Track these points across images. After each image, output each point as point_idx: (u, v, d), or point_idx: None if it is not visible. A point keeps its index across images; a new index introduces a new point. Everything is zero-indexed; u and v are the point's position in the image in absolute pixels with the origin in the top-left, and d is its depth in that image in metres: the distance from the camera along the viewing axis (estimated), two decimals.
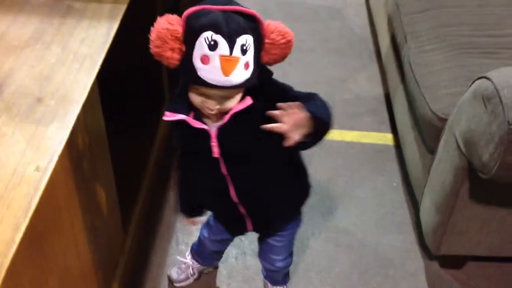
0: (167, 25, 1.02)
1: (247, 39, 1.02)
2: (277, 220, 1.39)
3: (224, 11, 1.02)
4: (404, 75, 1.96)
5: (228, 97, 1.09)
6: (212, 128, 1.15)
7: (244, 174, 1.23)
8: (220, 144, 1.17)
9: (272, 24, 1.07)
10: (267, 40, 1.06)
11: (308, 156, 2.13)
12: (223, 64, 1.01)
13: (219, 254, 1.66)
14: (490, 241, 1.63)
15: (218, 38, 1.00)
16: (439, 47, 1.84)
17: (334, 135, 2.26)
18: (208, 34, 1.00)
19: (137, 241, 1.76)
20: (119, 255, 1.63)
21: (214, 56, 1.01)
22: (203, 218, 1.51)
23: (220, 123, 1.14)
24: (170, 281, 1.71)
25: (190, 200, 1.42)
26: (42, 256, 1.05)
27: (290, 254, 1.54)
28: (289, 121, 1.05)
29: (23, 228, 0.93)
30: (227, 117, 1.12)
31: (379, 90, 2.48)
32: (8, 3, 1.43)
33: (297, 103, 1.07)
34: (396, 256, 1.84)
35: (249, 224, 1.35)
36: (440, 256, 1.80)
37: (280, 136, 1.06)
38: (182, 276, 1.71)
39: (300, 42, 2.74)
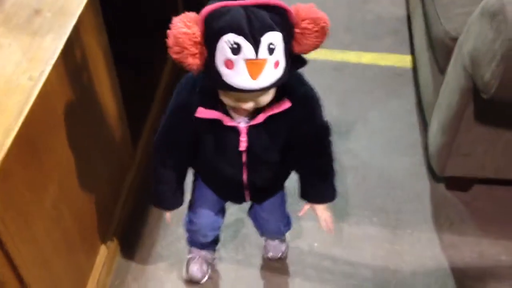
0: (184, 29, 0.92)
1: (274, 37, 0.92)
2: (273, 192, 1.40)
3: (245, 7, 0.91)
4: None
5: (262, 95, 1.01)
6: (242, 124, 1.11)
7: (261, 163, 1.22)
8: (248, 140, 1.13)
9: (302, 10, 0.96)
10: (297, 30, 0.96)
11: (322, 76, 2.15)
12: (250, 67, 0.92)
13: (214, 230, 1.51)
14: (495, 164, 1.62)
15: (241, 40, 0.90)
16: None
17: (350, 56, 2.23)
18: (229, 37, 0.90)
19: (146, 155, 1.82)
20: (127, 168, 1.69)
21: (238, 60, 0.91)
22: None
23: (252, 122, 1.09)
24: (195, 281, 1.60)
25: (174, 190, 1.29)
26: (38, 162, 1.10)
27: (288, 219, 1.54)
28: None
29: (13, 133, 0.98)
30: (261, 117, 1.08)
31: (401, 11, 2.40)
32: None
33: (327, 218, 1.34)
34: (402, 178, 1.85)
35: (247, 196, 1.33)
36: (446, 179, 1.80)
37: (295, 136, 1.16)
38: (204, 267, 1.59)
39: None
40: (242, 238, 1.69)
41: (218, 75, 0.94)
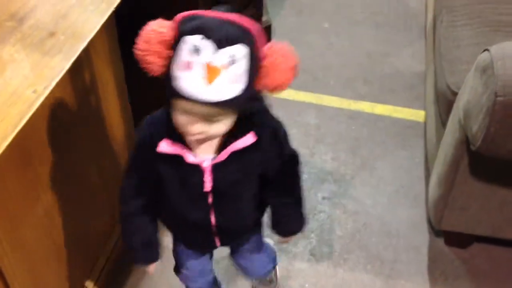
0: (155, 27, 0.93)
1: (239, 51, 0.89)
2: (244, 234, 1.34)
3: (220, 18, 0.91)
4: (435, 50, 1.94)
5: (214, 119, 0.95)
6: (206, 163, 1.06)
7: (228, 203, 1.17)
8: (213, 179, 1.09)
9: (275, 46, 0.95)
10: (265, 63, 0.94)
11: (335, 123, 2.19)
12: (207, 71, 0.88)
13: (207, 275, 1.47)
14: (492, 220, 1.62)
15: (205, 43, 0.88)
16: (471, 23, 1.81)
17: (365, 107, 2.27)
18: (194, 37, 0.88)
19: None
20: None
21: (197, 62, 0.88)
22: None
23: (216, 159, 1.06)
24: None
25: (147, 240, 1.22)
26: (33, 172, 1.17)
27: (271, 256, 1.52)
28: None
29: (9, 139, 1.05)
30: (224, 154, 1.05)
31: (421, 67, 2.44)
32: None
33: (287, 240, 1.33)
34: (402, 229, 1.85)
35: (217, 241, 1.26)
36: (445, 234, 1.79)
37: (265, 171, 1.15)
38: None
39: (351, 13, 2.74)
40: (234, 272, 1.71)
41: (173, 79, 0.91)
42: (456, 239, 1.77)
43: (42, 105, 1.13)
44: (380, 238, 1.82)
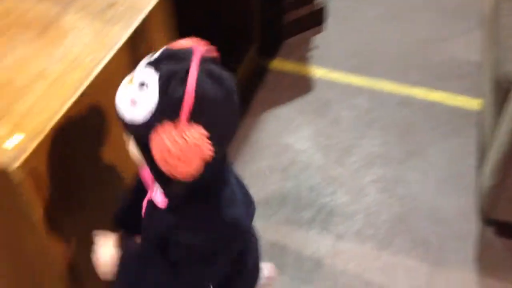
0: None
1: (152, 77, 0.86)
2: None
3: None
4: (494, 38, 1.89)
5: (127, 135, 0.94)
6: (146, 199, 1.05)
7: None
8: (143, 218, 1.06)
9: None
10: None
11: (387, 107, 2.17)
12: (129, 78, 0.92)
13: None
14: None
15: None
16: None
17: (418, 93, 2.24)
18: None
19: None
20: None
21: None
22: None
23: (147, 198, 1.04)
24: None
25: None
26: (86, 134, 1.21)
27: None
28: None
29: (69, 103, 1.09)
30: (149, 194, 1.02)
31: (477, 56, 2.37)
32: None
33: None
34: (451, 216, 1.82)
35: None
36: (496, 224, 1.75)
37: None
38: None
39: None
40: None
41: None
42: (507, 230, 1.73)
43: (100, 73, 1.17)
44: (427, 224, 1.80)
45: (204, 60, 0.87)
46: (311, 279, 1.66)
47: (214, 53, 0.91)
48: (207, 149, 0.84)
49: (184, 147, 0.83)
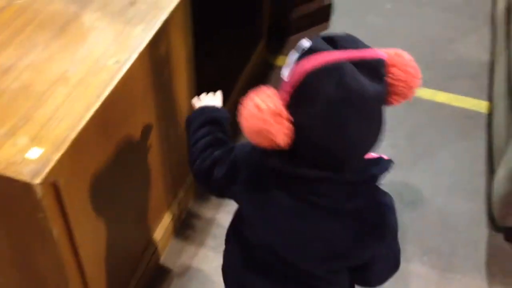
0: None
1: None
2: None
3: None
4: (509, 41, 1.87)
5: None
6: None
7: None
8: None
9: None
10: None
11: (394, 108, 2.13)
12: None
13: None
14: None
15: None
16: None
17: (425, 93, 2.21)
18: None
19: None
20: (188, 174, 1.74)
21: None
22: None
23: None
24: None
25: None
26: (108, 141, 1.16)
27: None
28: None
29: (94, 108, 1.04)
30: None
31: (485, 56, 2.36)
32: None
33: None
34: (460, 222, 1.81)
35: None
36: (506, 229, 1.75)
37: None
38: None
39: None
40: None
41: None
42: None
43: (124, 76, 1.12)
44: (437, 230, 1.78)
45: (359, 63, 0.81)
46: None
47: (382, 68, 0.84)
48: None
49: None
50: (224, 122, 1.08)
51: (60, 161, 0.95)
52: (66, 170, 0.97)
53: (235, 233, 1.05)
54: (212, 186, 1.01)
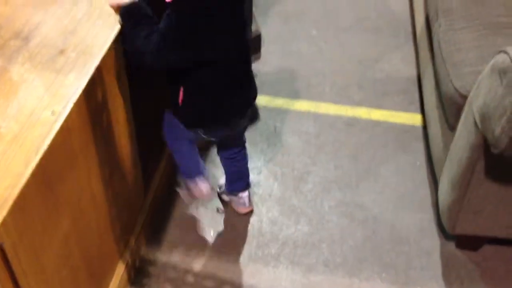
0: None
1: None
2: None
3: None
4: (433, 54, 1.94)
5: None
6: None
7: None
8: None
9: None
10: None
11: (334, 130, 2.18)
12: None
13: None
14: (506, 222, 1.62)
15: None
16: (469, 26, 1.81)
17: (361, 113, 2.26)
18: None
19: (157, 200, 1.82)
20: (137, 212, 1.69)
21: None
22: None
23: None
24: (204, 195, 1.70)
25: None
26: (53, 197, 1.11)
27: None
28: None
29: (33, 164, 0.99)
30: None
31: (412, 71, 2.45)
32: None
33: None
34: (412, 234, 1.84)
35: None
36: (456, 237, 1.79)
37: None
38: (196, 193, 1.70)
39: (338, 20, 2.73)
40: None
41: None
42: (468, 242, 1.77)
43: (61, 127, 1.08)
44: (391, 245, 1.80)
45: None
46: None
47: None
48: None
49: None
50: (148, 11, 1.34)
51: (3, 223, 0.90)
52: (11, 231, 0.92)
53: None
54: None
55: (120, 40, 1.31)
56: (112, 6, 1.35)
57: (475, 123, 1.45)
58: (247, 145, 1.77)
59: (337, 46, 2.59)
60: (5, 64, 1.19)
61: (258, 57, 2.46)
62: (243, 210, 1.86)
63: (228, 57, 1.37)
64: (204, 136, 1.56)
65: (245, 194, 1.83)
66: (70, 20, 1.32)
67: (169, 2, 1.26)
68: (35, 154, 1.01)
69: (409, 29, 2.68)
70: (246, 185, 1.83)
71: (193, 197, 1.73)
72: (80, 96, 1.15)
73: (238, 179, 1.81)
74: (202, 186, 1.67)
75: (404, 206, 1.92)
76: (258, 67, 2.44)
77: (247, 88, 1.52)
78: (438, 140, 1.83)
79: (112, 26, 1.31)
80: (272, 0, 2.85)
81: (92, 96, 1.23)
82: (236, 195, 1.83)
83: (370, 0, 2.87)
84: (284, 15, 2.77)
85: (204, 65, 1.35)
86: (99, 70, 1.23)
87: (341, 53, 2.55)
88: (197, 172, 1.66)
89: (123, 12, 1.32)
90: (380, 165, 2.06)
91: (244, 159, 1.77)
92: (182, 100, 1.43)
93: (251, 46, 2.41)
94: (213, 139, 1.71)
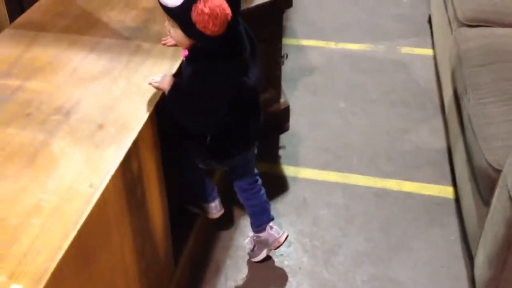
0: None
1: None
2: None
3: None
4: (463, 127, 1.95)
5: (170, 22, 1.34)
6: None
7: None
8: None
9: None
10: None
11: (364, 202, 2.17)
12: None
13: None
14: None
15: None
16: (498, 100, 1.83)
17: (391, 184, 2.25)
18: None
19: (187, 273, 1.81)
20: (168, 284, 1.68)
21: None
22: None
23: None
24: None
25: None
26: (87, 269, 1.11)
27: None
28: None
29: (71, 237, 1.01)
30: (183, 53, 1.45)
31: (441, 143, 2.45)
32: (81, 43, 1.58)
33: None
34: None
35: None
36: None
37: None
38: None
39: (365, 92, 2.77)
40: None
41: None
42: None
43: (99, 200, 1.10)
44: None
45: None
46: None
47: None
48: (227, 9, 1.27)
49: (212, 6, 1.25)
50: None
51: None
52: None
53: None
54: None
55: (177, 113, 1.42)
56: (153, 86, 1.42)
57: (510, 198, 1.43)
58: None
59: (365, 118, 2.61)
60: (46, 138, 1.23)
61: (287, 129, 2.49)
62: (281, 238, 1.86)
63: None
64: (218, 166, 1.76)
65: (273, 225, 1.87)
66: (109, 97, 1.37)
67: (187, 57, 1.42)
68: (73, 228, 1.02)
69: (436, 101, 2.70)
70: (271, 217, 1.87)
71: None
72: (117, 169, 1.17)
73: (262, 211, 1.85)
74: (219, 206, 1.82)
75: (439, 282, 1.87)
76: (286, 138, 2.47)
77: (259, 113, 1.66)
78: (472, 214, 1.80)
79: (149, 102, 1.35)
80: (300, 72, 2.92)
81: (129, 169, 1.25)
82: (264, 229, 1.85)
83: (396, 74, 2.92)
84: (312, 87, 2.82)
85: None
86: (135, 144, 1.26)
87: (368, 125, 2.57)
88: (214, 196, 1.80)
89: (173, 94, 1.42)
90: (413, 238, 2.03)
91: (261, 189, 1.83)
92: (210, 144, 1.57)
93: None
94: (225, 168, 1.78)
